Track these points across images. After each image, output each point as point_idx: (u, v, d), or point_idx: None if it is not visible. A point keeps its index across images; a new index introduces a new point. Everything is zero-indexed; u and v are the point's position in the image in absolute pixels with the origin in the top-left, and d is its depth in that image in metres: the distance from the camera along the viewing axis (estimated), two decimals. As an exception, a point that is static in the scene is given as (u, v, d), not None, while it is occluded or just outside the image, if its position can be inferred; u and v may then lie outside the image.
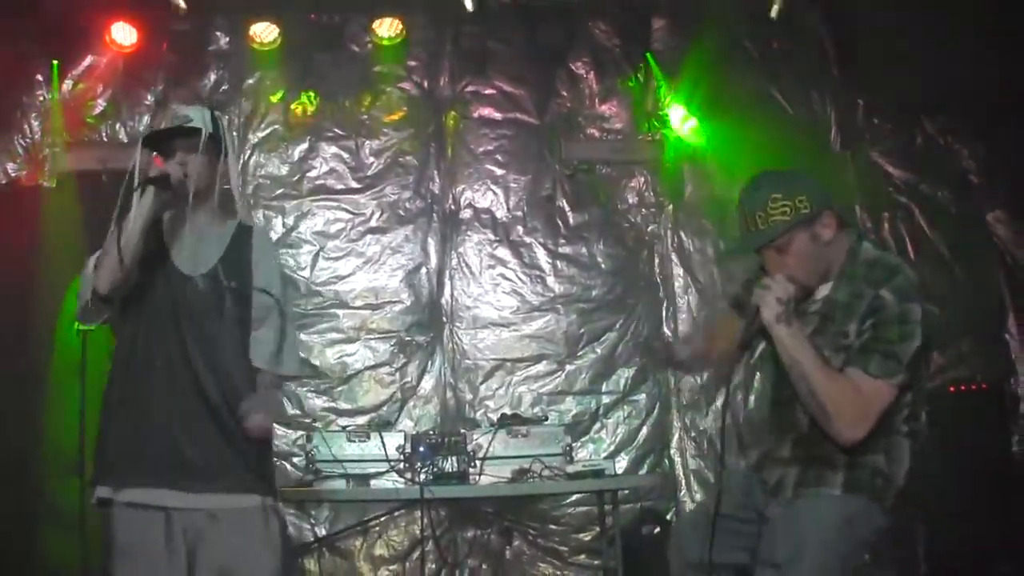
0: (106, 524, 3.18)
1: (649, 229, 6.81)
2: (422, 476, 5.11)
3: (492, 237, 6.69)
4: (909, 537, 6.31)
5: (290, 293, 3.71)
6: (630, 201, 6.84)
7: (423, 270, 6.59)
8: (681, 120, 6.73)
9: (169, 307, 3.25)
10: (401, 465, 5.15)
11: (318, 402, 6.31)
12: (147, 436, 3.16)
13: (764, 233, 3.01)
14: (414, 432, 5.49)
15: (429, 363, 6.48)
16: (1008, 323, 6.87)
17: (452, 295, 6.59)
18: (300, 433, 5.90)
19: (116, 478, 3.14)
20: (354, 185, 6.62)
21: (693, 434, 6.52)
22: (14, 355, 5.79)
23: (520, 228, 6.70)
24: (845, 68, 6.95)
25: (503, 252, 6.67)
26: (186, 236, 3.33)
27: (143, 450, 3.15)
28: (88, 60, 6.50)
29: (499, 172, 6.76)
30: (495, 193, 6.74)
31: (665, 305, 6.72)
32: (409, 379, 6.44)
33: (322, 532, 6.13)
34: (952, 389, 6.55)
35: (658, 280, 6.76)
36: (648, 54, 6.70)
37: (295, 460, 5.96)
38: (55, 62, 6.35)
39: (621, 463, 6.35)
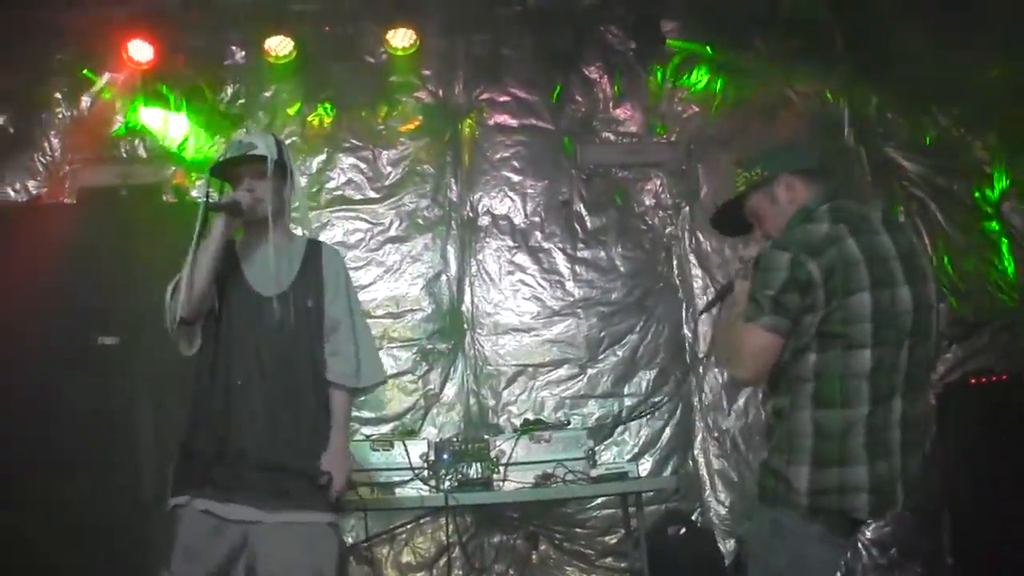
0: (174, 526, 3.30)
1: (666, 231, 6.83)
2: (447, 483, 5.13)
3: (511, 243, 6.72)
4: (935, 528, 6.34)
5: (360, 306, 3.73)
6: (647, 203, 6.86)
7: (443, 278, 6.63)
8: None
9: (247, 328, 3.38)
10: (425, 473, 5.18)
11: (342, 412, 6.33)
12: (225, 453, 3.28)
13: (727, 202, 3.40)
14: (438, 439, 5.50)
15: (451, 370, 6.51)
16: (1027, 313, 6.88)
17: (472, 302, 6.62)
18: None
19: (194, 489, 3.27)
20: (372, 195, 6.67)
21: (716, 434, 6.54)
22: (32, 369, 5.83)
23: (538, 233, 6.73)
24: (856, 63, 6.95)
25: (522, 258, 6.71)
26: (260, 258, 3.44)
27: (222, 466, 3.27)
28: (106, 77, 6.55)
29: (516, 178, 6.80)
30: (512, 199, 6.77)
31: (684, 306, 6.75)
32: (432, 386, 6.48)
33: (349, 541, 6.15)
34: (972, 381, 6.57)
35: (676, 282, 6.77)
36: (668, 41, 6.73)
37: (321, 470, 5.99)
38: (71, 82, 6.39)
39: (645, 465, 6.38)
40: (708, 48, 6.79)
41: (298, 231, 3.64)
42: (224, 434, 3.29)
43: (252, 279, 3.43)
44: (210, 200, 3.34)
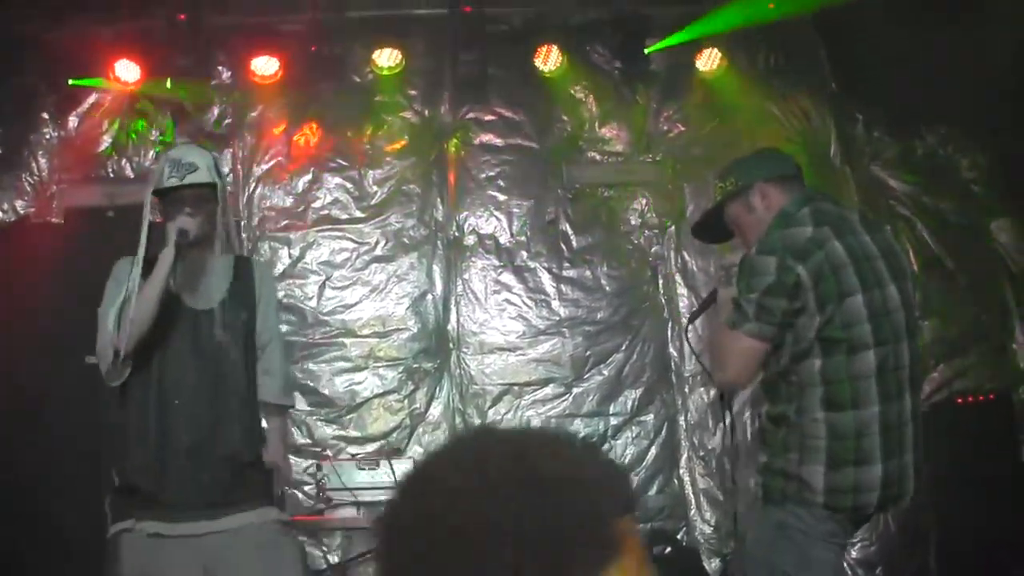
0: (116, 552, 3.27)
1: (652, 250, 6.84)
2: (433, 503, 5.13)
3: (496, 263, 6.73)
4: (922, 548, 6.34)
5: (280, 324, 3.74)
6: (632, 223, 6.87)
7: (429, 297, 6.64)
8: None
9: (184, 345, 3.36)
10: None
11: (328, 431, 6.35)
12: (167, 473, 3.27)
13: (706, 212, 3.56)
14: (424, 459, 5.49)
15: (437, 389, 6.52)
16: (1015, 332, 6.87)
17: (458, 321, 6.63)
18: (311, 462, 5.95)
19: (140, 511, 3.25)
20: (358, 215, 6.67)
21: (702, 453, 6.55)
22: (21, 389, 5.85)
23: (524, 253, 6.74)
24: (843, 82, 6.98)
25: (508, 277, 6.72)
26: (191, 276, 3.44)
27: (163, 486, 3.26)
28: (93, 97, 6.57)
29: (502, 197, 6.81)
30: (498, 219, 6.78)
31: (670, 325, 6.76)
32: (418, 406, 6.48)
33: (335, 560, 6.15)
34: (959, 400, 6.59)
35: (662, 301, 6.78)
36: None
37: (306, 489, 6.01)
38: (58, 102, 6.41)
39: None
40: (693, 67, 6.78)
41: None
42: (163, 454, 3.28)
43: (186, 297, 3.43)
44: (172, 231, 3.34)
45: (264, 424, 3.57)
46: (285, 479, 3.45)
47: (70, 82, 6.43)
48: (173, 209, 3.41)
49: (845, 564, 6.32)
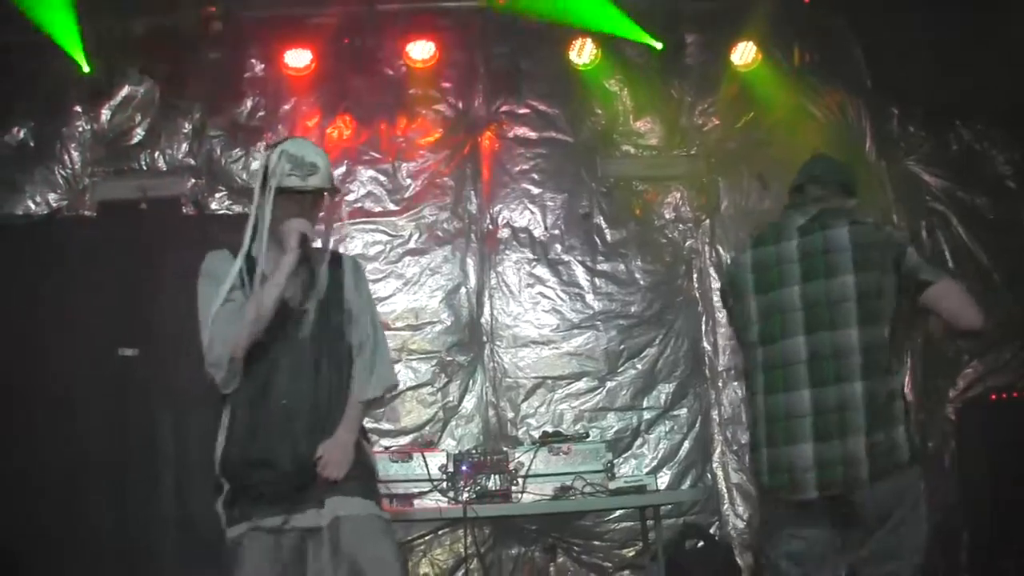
0: (238, 552, 3.24)
1: (686, 244, 6.83)
2: (465, 495, 5.12)
3: (530, 256, 6.72)
4: (953, 547, 6.31)
5: (378, 316, 3.64)
6: (667, 216, 6.86)
7: (462, 290, 6.63)
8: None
9: (285, 348, 3.33)
10: (444, 484, 5.18)
11: (362, 424, 6.33)
12: (273, 472, 3.26)
13: None
14: (456, 451, 5.48)
15: (470, 382, 6.51)
16: (1049, 329, 6.84)
17: (492, 314, 6.62)
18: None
19: (254, 510, 3.24)
20: (392, 207, 6.67)
21: (735, 447, 6.52)
22: (53, 380, 5.86)
23: (558, 246, 6.73)
24: (878, 77, 6.96)
25: (542, 270, 6.70)
26: (293, 276, 3.36)
27: (271, 484, 3.24)
28: (125, 90, 6.57)
29: (536, 191, 6.80)
30: (532, 212, 6.77)
31: (704, 319, 6.74)
32: (451, 399, 6.47)
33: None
34: (993, 397, 6.55)
35: (696, 295, 6.78)
36: None
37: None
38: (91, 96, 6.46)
39: (663, 478, 6.37)
40: (728, 61, 6.75)
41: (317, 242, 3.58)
42: (271, 455, 3.26)
43: (288, 297, 3.37)
44: (293, 233, 3.31)
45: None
46: (330, 472, 3.30)
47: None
48: (288, 209, 3.34)
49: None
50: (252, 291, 3.27)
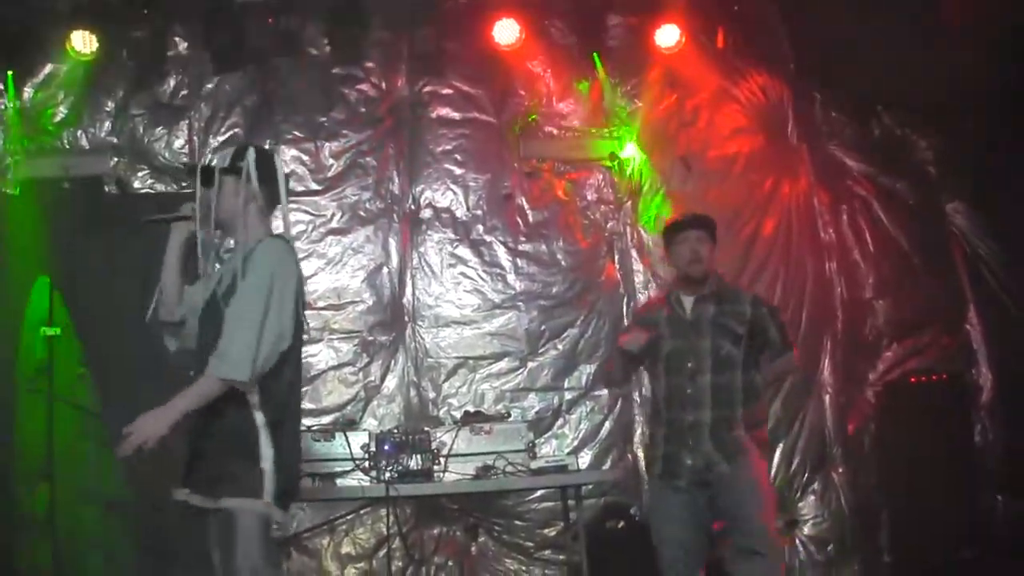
0: None
1: (608, 225, 6.85)
2: (387, 474, 5.15)
3: (452, 236, 6.73)
4: (873, 527, 6.37)
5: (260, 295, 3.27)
6: (589, 198, 6.88)
7: (384, 270, 6.62)
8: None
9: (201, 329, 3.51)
10: (366, 464, 5.19)
11: (283, 402, 6.31)
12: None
13: None
14: (378, 431, 5.49)
15: (392, 362, 6.51)
16: (968, 313, 6.92)
17: (414, 294, 6.62)
18: (266, 434, 5.92)
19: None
20: (314, 187, 6.66)
21: (655, 428, 6.54)
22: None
23: (480, 227, 6.74)
24: (801, 61, 7.02)
25: (464, 251, 6.71)
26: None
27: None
28: (48, 68, 6.52)
29: (458, 171, 6.80)
30: (455, 192, 6.78)
31: (626, 300, 6.76)
32: (372, 378, 6.46)
33: (289, 531, 6.13)
34: (913, 380, 6.62)
35: (618, 276, 6.80)
36: (595, 55, 6.71)
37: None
38: (11, 72, 6.35)
39: (584, 459, 6.39)
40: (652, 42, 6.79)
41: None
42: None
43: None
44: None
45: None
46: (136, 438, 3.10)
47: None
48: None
49: (798, 540, 6.39)
50: None
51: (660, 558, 4.32)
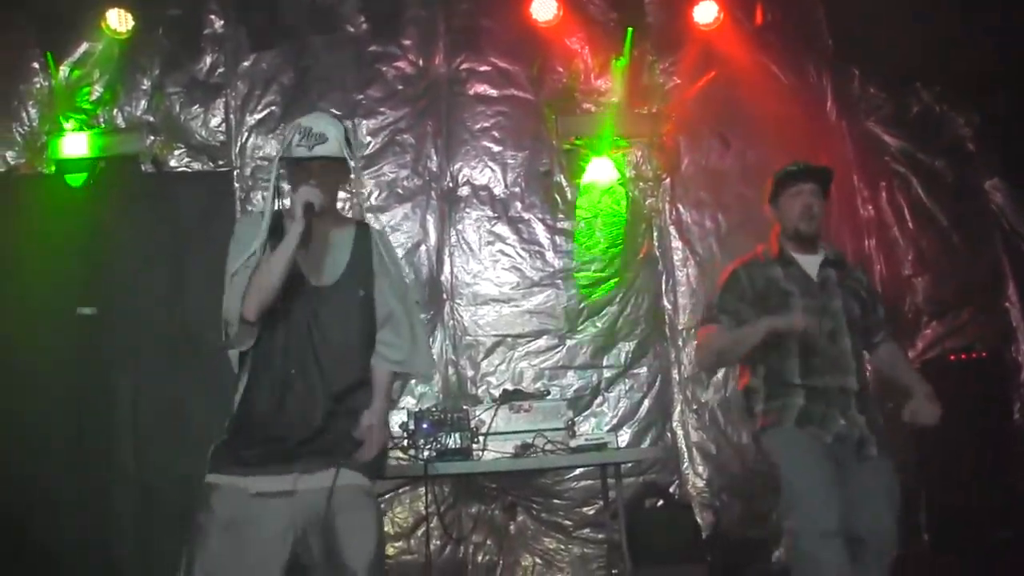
0: (209, 499, 3.18)
1: (647, 202, 6.82)
2: (426, 453, 5.09)
3: (491, 214, 6.70)
4: (912, 507, 6.33)
5: (413, 292, 3.53)
6: (628, 175, 6.84)
7: (422, 248, 6.61)
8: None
9: (302, 319, 3.29)
10: (405, 442, 5.16)
11: (321, 383, 6.31)
12: (271, 439, 3.21)
13: None
14: (417, 409, 5.45)
15: (430, 340, 6.45)
16: (1007, 291, 6.88)
17: (452, 272, 6.60)
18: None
19: (233, 467, 3.19)
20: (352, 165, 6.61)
21: (695, 407, 6.54)
22: (10, 338, 5.81)
23: (518, 204, 6.71)
24: (839, 38, 6.97)
25: (502, 228, 6.69)
26: (312, 247, 3.31)
27: (273, 445, 3.19)
28: (84, 47, 6.50)
29: (496, 149, 6.77)
30: (493, 170, 6.75)
31: (664, 278, 6.75)
32: (411, 356, 6.43)
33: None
34: (952, 358, 6.58)
35: (657, 253, 6.77)
36: (629, 31, 6.66)
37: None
38: (49, 51, 6.35)
39: (623, 437, 6.36)
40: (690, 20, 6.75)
41: (348, 214, 3.50)
42: (274, 423, 3.22)
43: (306, 270, 3.33)
44: (298, 202, 3.23)
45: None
46: (376, 445, 3.27)
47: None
48: (299, 179, 3.30)
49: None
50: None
51: (800, 505, 3.65)
